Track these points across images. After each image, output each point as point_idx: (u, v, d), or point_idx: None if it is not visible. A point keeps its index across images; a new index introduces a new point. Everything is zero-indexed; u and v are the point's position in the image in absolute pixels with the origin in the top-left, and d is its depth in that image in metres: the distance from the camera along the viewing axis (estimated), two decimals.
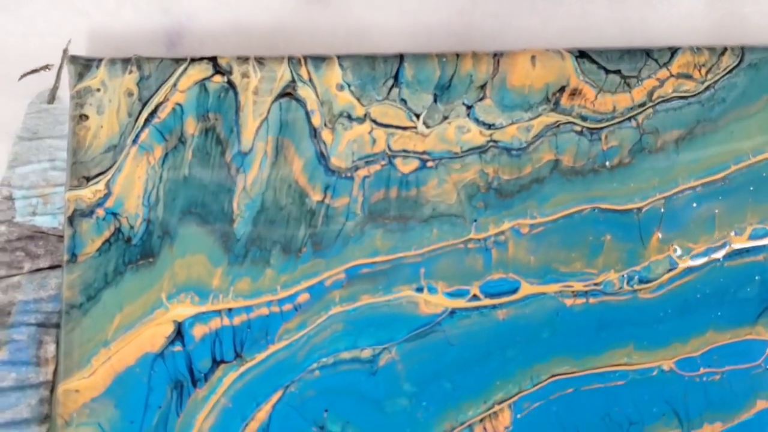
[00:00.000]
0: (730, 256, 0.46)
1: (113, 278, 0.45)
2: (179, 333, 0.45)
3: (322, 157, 0.46)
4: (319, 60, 0.46)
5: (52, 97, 0.51)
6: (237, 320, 0.45)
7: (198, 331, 0.45)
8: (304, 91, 0.47)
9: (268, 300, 0.46)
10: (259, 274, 0.46)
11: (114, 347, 0.45)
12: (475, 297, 0.46)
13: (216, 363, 0.45)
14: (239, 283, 0.46)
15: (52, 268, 0.49)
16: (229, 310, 0.45)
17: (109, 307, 0.45)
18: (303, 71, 0.46)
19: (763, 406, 0.45)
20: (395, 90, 0.46)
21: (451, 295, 0.46)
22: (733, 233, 0.47)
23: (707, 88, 0.47)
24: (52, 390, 0.47)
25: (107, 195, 0.46)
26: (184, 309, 0.45)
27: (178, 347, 0.45)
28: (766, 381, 0.45)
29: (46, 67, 0.50)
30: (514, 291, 0.46)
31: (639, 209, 0.47)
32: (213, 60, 0.46)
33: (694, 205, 0.47)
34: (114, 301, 0.45)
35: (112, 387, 0.45)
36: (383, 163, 0.47)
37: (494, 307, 0.46)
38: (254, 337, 0.45)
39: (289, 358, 0.45)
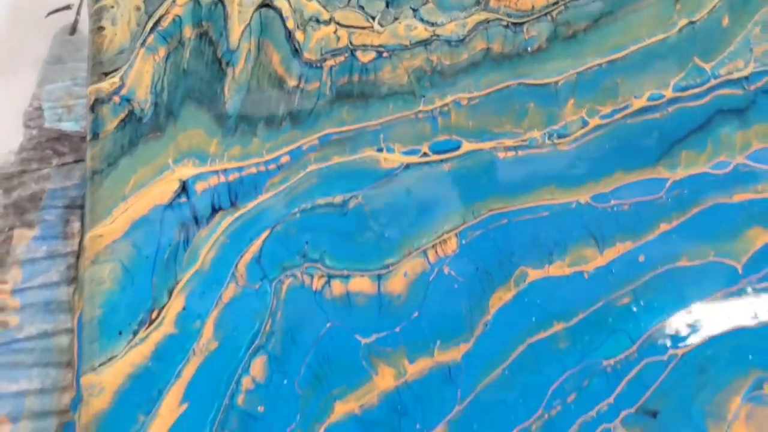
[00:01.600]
0: (631, 115, 0.66)
1: (128, 149, 0.64)
2: (184, 188, 0.64)
3: (296, 53, 0.67)
4: None
5: (73, 29, 0.71)
6: (231, 177, 0.64)
7: (199, 186, 0.64)
8: (279, 2, 0.68)
9: (256, 162, 0.65)
10: (247, 142, 0.65)
11: (131, 201, 0.64)
12: (425, 154, 0.65)
13: (215, 210, 0.64)
14: (231, 150, 0.65)
15: (76, 162, 0.68)
16: (224, 170, 0.65)
17: (125, 171, 0.64)
18: None
19: (665, 228, 0.64)
20: None
21: (405, 153, 0.65)
22: (633, 97, 0.67)
23: None
24: (78, 257, 0.66)
25: (121, 86, 0.66)
26: (187, 170, 0.64)
27: (183, 199, 0.64)
28: (667, 209, 0.64)
29: (67, 7, 0.72)
30: (457, 148, 0.65)
31: (556, 82, 0.67)
32: None
33: (601, 77, 0.67)
34: (129, 166, 0.64)
35: (130, 231, 0.63)
36: (346, 55, 0.67)
37: (441, 161, 0.65)
38: (246, 190, 0.64)
39: (274, 205, 0.64)
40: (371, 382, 0.55)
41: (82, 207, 0.60)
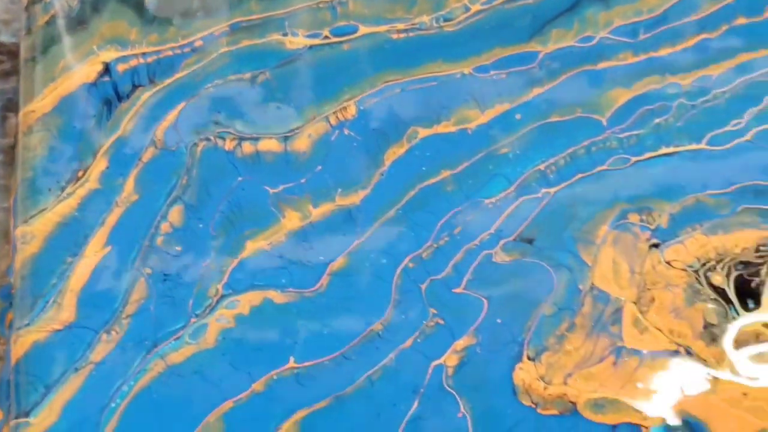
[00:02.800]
0: (508, 1, 0.83)
1: (57, 39, 0.80)
2: (107, 69, 0.79)
3: None
4: None
5: None
6: (150, 59, 0.79)
7: (120, 67, 0.79)
8: None
9: (172, 46, 0.80)
10: (164, 31, 0.80)
11: (59, 81, 0.78)
12: (326, 37, 0.81)
13: (135, 87, 0.79)
14: (150, 36, 0.80)
15: (12, 68, 0.83)
16: (144, 53, 0.80)
17: (55, 58, 0.79)
18: None
19: (538, 92, 0.81)
20: None
21: (308, 36, 0.81)
22: None
23: None
24: (14, 146, 0.80)
25: None
26: (110, 54, 0.79)
27: (106, 78, 0.79)
28: (539, 77, 0.81)
29: None
30: (355, 32, 0.82)
31: None
32: None
33: None
34: (59, 52, 0.79)
35: (58, 106, 0.77)
36: None
37: (341, 42, 0.81)
38: (163, 69, 0.79)
39: (189, 81, 0.79)
40: (279, 224, 0.70)
41: (18, 106, 0.75)
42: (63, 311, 0.63)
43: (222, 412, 0.61)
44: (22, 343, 0.62)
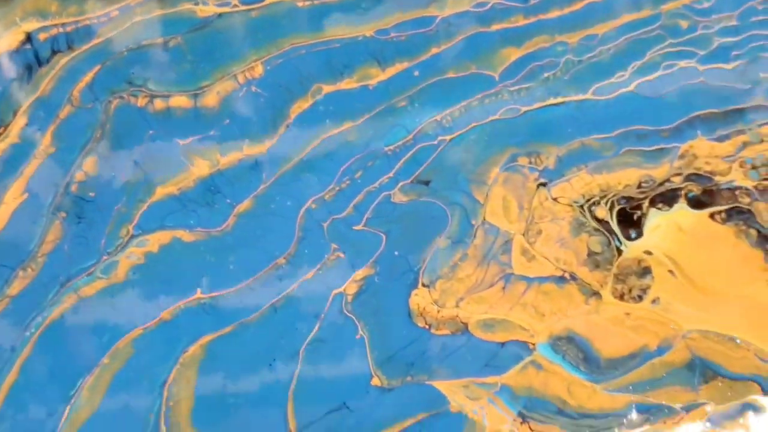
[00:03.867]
0: None
1: None
2: (29, 38, 0.92)
3: None
4: None
5: None
6: (69, 29, 0.93)
7: (42, 36, 0.92)
8: None
9: (90, 16, 0.93)
10: (83, 2, 0.94)
11: None
12: (235, 6, 0.95)
13: (54, 53, 0.91)
14: (69, 8, 0.94)
15: None
16: (63, 23, 0.93)
17: None
18: None
19: (435, 52, 0.94)
20: None
21: (218, 5, 0.95)
22: None
23: None
24: None
25: None
26: (32, 25, 0.92)
27: (28, 46, 0.92)
28: (440, 36, 0.94)
29: None
30: (262, 0, 0.95)
31: None
32: None
33: None
34: None
35: None
36: None
37: (249, 11, 0.95)
38: (80, 36, 0.92)
39: (105, 47, 0.92)
40: (188, 171, 0.82)
41: None
42: None
43: (131, 338, 0.71)
44: None
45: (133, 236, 0.74)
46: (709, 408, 0.70)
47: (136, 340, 0.71)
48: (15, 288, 0.71)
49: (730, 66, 0.80)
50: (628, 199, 0.75)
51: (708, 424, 0.70)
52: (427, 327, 0.73)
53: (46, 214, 0.74)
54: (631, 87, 0.80)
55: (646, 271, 0.74)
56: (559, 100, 0.79)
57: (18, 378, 0.69)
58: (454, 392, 0.71)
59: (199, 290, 0.72)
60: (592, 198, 0.76)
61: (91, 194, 0.75)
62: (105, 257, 0.73)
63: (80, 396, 0.69)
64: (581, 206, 0.75)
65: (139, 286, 0.72)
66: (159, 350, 0.71)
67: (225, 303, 0.72)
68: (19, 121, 0.78)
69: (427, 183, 0.77)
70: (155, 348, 0.71)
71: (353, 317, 0.72)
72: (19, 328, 0.71)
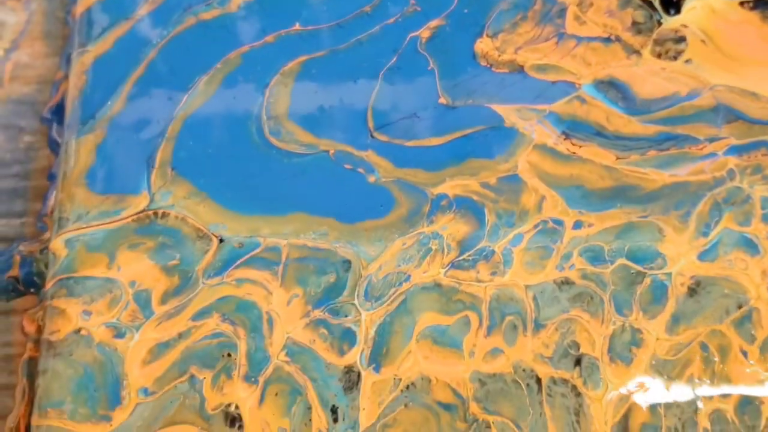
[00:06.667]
0: None
1: None
2: None
3: None
4: None
5: None
6: None
7: None
8: None
9: None
10: None
11: None
12: None
13: None
14: None
15: None
16: None
17: None
18: None
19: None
20: None
21: None
22: None
23: None
24: None
25: None
26: None
27: None
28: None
29: None
30: None
31: None
32: None
33: None
34: None
35: None
36: None
37: None
38: None
39: None
40: None
41: None
42: None
43: (240, 52, 0.90)
44: None
45: None
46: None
47: (245, 54, 0.89)
48: (143, 9, 0.90)
49: None
50: None
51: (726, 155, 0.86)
52: (488, 66, 0.90)
53: None
54: None
55: (681, 39, 0.91)
56: None
57: (144, 72, 0.88)
58: (509, 113, 0.88)
59: (297, 23, 0.91)
60: None
61: None
62: None
63: (197, 88, 0.87)
64: None
65: (248, 17, 0.90)
66: (263, 63, 0.89)
67: (319, 33, 0.90)
68: None
69: None
70: (260, 61, 0.89)
71: (426, 54, 0.90)
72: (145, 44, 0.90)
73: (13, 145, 0.88)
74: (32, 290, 0.81)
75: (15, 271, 0.81)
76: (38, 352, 0.73)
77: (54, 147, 0.88)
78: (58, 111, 0.90)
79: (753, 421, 0.73)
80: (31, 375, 0.75)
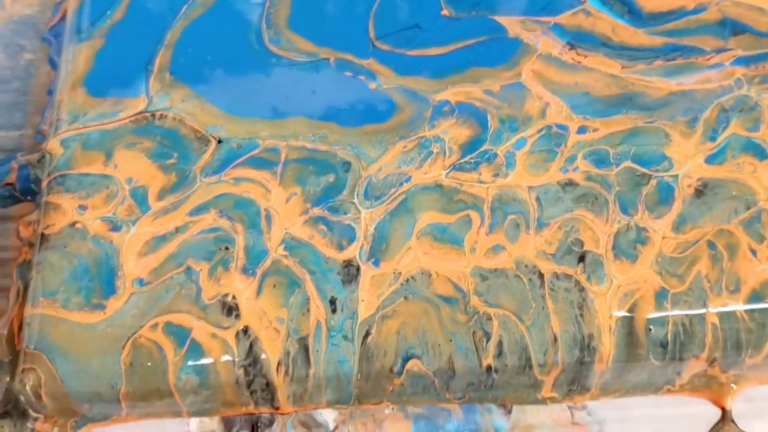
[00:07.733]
0: None
1: None
2: None
3: None
4: None
5: None
6: None
7: None
8: None
9: None
10: None
11: None
12: None
13: None
14: None
15: None
16: None
17: None
18: None
19: None
20: None
21: None
22: None
23: None
24: None
25: None
26: None
27: None
28: None
29: None
30: None
31: None
32: None
33: None
34: None
35: None
36: None
37: None
38: None
39: None
40: None
41: None
42: None
43: None
44: None
45: None
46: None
47: None
48: None
49: None
50: None
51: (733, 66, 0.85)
52: None
53: None
54: None
55: None
56: None
57: None
58: (513, 25, 0.88)
59: None
60: None
61: None
62: None
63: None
64: None
65: None
66: None
67: None
68: None
69: None
70: None
71: None
72: None
73: (14, 63, 0.89)
74: (29, 198, 0.80)
75: (12, 178, 0.80)
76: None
77: (54, 65, 0.88)
78: (59, 31, 0.90)
79: (764, 318, 0.71)
80: (26, 278, 0.74)
